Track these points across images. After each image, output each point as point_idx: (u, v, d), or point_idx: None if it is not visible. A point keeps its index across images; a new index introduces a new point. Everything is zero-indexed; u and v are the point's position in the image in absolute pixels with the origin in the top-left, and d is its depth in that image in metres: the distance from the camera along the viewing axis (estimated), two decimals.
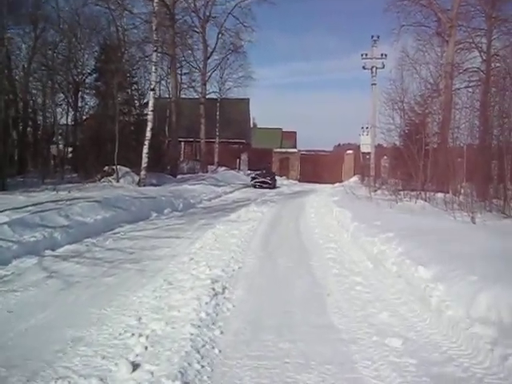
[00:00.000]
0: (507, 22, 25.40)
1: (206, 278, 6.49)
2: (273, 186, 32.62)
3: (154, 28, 22.32)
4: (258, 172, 34.28)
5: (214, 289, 5.95)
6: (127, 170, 23.35)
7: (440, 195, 17.54)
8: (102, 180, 22.51)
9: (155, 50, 22.50)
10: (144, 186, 21.94)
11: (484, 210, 13.53)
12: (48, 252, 8.22)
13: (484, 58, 26.11)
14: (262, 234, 11.34)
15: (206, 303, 5.38)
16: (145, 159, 22.31)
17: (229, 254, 8.39)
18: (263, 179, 32.70)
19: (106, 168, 23.06)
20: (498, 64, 25.21)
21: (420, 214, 12.46)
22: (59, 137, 33.36)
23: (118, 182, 22.28)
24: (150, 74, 35.93)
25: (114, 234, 10.69)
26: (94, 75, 29.42)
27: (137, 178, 22.72)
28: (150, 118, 22.54)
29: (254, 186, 32.04)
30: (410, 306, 5.56)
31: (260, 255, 8.68)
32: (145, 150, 22.28)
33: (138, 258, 8.06)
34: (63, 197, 14.23)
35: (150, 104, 22.66)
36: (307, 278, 7.06)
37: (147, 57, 27.47)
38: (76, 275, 6.80)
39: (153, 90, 22.88)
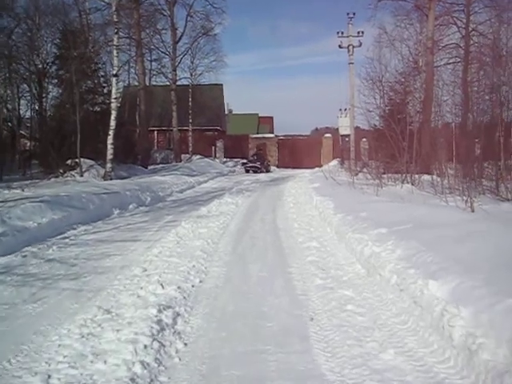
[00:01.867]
0: None
1: (154, 301, 5.08)
2: (265, 170, 34.36)
3: (113, 9, 20.61)
4: (251, 158, 36.02)
5: (160, 320, 4.54)
6: (92, 162, 21.74)
7: (427, 177, 16.51)
8: (65, 175, 20.88)
9: (116, 33, 20.79)
10: (111, 179, 20.37)
11: (476, 192, 12.31)
12: None
13: (463, 33, 25.23)
14: (234, 231, 9.92)
15: (146, 347, 3.97)
16: (110, 150, 20.70)
17: (190, 261, 6.95)
18: (254, 164, 34.37)
19: (69, 161, 21.41)
20: (476, 39, 24.41)
21: (410, 202, 11.15)
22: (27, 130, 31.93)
23: (81, 176, 20.67)
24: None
25: (63, 239, 9.21)
26: (57, 63, 27.71)
27: (103, 172, 21.14)
28: (113, 106, 20.90)
29: (247, 171, 33.63)
30: (422, 338, 4.16)
31: (228, 261, 7.26)
32: (109, 140, 20.65)
33: (79, 272, 6.63)
34: (9, 196, 12.68)
35: (114, 91, 21.01)
36: (285, 293, 5.65)
37: (110, 41, 25.80)
38: None
39: (115, 75, 21.19)
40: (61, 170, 21.11)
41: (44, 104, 29.95)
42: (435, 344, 3.96)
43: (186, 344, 4.22)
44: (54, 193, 12.93)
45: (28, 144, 32.63)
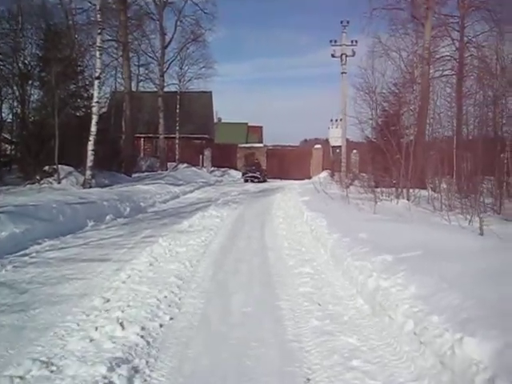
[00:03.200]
0: (480, 8, 23.95)
1: (108, 350, 4.02)
2: (262, 179, 35.24)
3: (97, 8, 19.57)
4: (249, 168, 36.98)
5: None
6: (71, 169, 20.59)
7: (423, 193, 15.74)
8: (42, 182, 19.69)
9: (99, 33, 19.73)
10: (90, 187, 19.26)
11: (477, 211, 11.40)
12: None
13: (457, 46, 24.70)
14: (217, 251, 8.82)
15: None
16: (90, 157, 19.59)
17: (162, 290, 5.85)
18: (253, 174, 35.46)
19: (47, 168, 20.23)
20: (470, 52, 23.89)
21: (411, 221, 10.19)
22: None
23: (59, 183, 19.50)
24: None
25: (22, 256, 8.10)
26: (39, 65, 26.58)
27: (82, 179, 20.01)
28: (94, 110, 19.79)
29: (246, 181, 34.58)
30: None
31: (207, 291, 6.14)
32: (90, 146, 19.54)
33: (28, 302, 5.53)
34: None
35: (95, 94, 19.90)
36: (273, 339, 4.55)
37: (95, 43, 24.74)
38: None
39: (98, 78, 20.08)
40: (37, 177, 19.92)
41: (26, 107, 28.87)
42: None
43: None
44: (23, 202, 11.82)
45: (9, 148, 31.51)
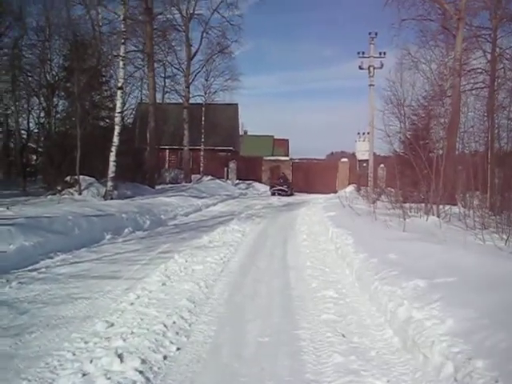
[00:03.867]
0: None
1: None
2: (290, 193, 34.58)
3: (121, 17, 19.41)
4: (276, 181, 36.32)
5: None
6: (92, 180, 20.33)
7: (454, 209, 15.05)
8: (63, 192, 19.47)
9: (123, 43, 19.54)
10: (111, 198, 18.99)
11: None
12: None
13: (489, 58, 23.93)
14: (235, 270, 8.26)
15: None
16: (112, 168, 19.32)
17: (171, 315, 5.34)
18: (281, 187, 34.70)
19: (68, 178, 20.01)
20: (502, 65, 23.15)
21: (441, 240, 9.52)
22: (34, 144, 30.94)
23: (80, 194, 19.25)
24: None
25: (31, 271, 7.71)
26: (64, 75, 26.62)
27: (103, 190, 19.74)
28: (117, 120, 19.53)
29: (273, 194, 33.97)
30: None
31: (221, 316, 5.59)
32: (112, 157, 19.29)
33: (25, 325, 5.08)
34: None
35: (118, 105, 19.66)
36: (288, 380, 3.95)
37: (120, 56, 24.66)
38: None
39: (120, 88, 19.87)
40: (59, 187, 19.71)
41: (52, 118, 28.99)
42: None
43: None
44: (38, 213, 11.46)
45: (34, 158, 31.66)
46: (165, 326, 5.01)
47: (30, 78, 28.94)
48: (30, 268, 7.92)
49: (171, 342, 4.63)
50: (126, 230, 12.72)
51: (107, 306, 5.85)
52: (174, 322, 5.16)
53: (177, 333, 4.91)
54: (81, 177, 19.62)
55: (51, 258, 8.86)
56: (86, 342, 4.54)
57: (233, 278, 7.60)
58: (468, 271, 5.82)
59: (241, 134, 58.07)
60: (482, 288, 4.96)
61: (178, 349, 4.53)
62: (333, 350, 4.53)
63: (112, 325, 5.05)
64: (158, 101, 34.07)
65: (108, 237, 11.59)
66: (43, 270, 7.90)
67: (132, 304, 5.82)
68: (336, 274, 8.03)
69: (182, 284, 6.86)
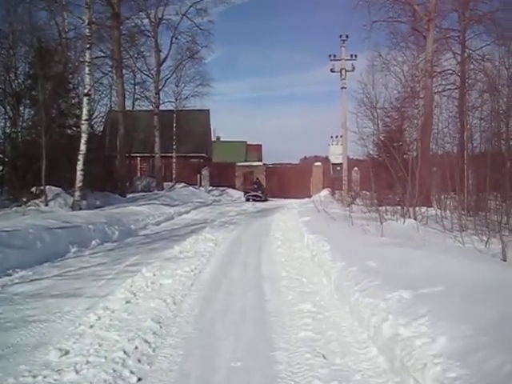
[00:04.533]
0: (481, 22, 23.24)
1: None
2: (264, 198, 34.31)
3: (86, 22, 18.78)
4: (250, 187, 36.01)
5: None
6: (59, 190, 19.58)
7: (430, 211, 14.90)
8: (29, 204, 18.70)
9: (89, 48, 18.90)
10: (80, 209, 18.30)
11: (491, 231, 10.46)
12: None
13: (458, 60, 24.00)
14: (206, 283, 7.75)
15: None
16: (79, 177, 18.63)
17: (134, 339, 4.80)
18: (255, 193, 34.48)
19: (34, 189, 19.25)
20: (472, 66, 23.18)
21: (421, 245, 9.19)
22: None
23: (46, 205, 18.50)
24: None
25: None
26: (30, 83, 25.80)
27: (71, 201, 19.03)
28: (84, 128, 18.85)
29: (248, 200, 33.48)
30: None
31: (189, 337, 5.07)
32: (79, 166, 18.60)
33: None
34: None
35: (85, 112, 18.96)
36: None
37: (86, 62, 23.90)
38: None
39: (87, 95, 19.21)
40: (24, 199, 18.93)
41: (19, 127, 28.10)
42: None
43: None
44: None
45: (0, 169, 30.67)
46: (125, 352, 4.48)
47: None
48: None
49: (131, 372, 4.11)
50: (94, 242, 12.20)
51: (64, 329, 5.30)
52: (136, 348, 4.64)
53: (139, 360, 4.38)
54: (47, 187, 18.88)
55: (9, 275, 8.27)
56: (34, 376, 3.99)
57: (203, 293, 7.09)
58: (453, 279, 5.43)
59: (213, 140, 57.54)
60: (472, 298, 4.57)
61: (139, 379, 4.00)
62: (313, 374, 4.05)
63: (66, 353, 4.52)
64: (127, 108, 33.36)
65: (74, 250, 11.04)
66: None
67: (91, 327, 5.29)
68: (313, 284, 7.60)
69: (147, 301, 6.32)
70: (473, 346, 3.47)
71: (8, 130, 27.97)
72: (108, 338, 4.91)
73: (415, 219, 14.14)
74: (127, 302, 6.29)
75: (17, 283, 7.79)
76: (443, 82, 23.46)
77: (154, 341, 4.91)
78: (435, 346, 3.70)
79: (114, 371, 4.08)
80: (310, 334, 5.09)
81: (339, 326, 5.39)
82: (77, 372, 4.02)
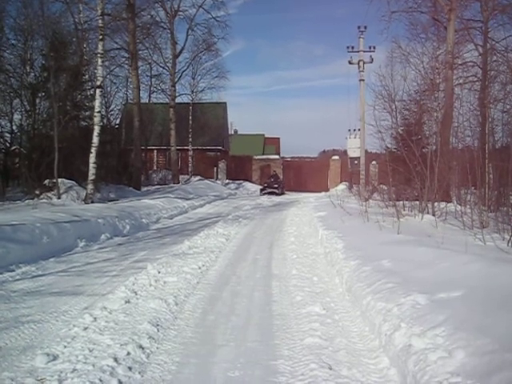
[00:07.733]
0: (504, 12, 22.49)
1: None
2: (280, 192, 33.35)
3: (99, 13, 18.50)
4: (267, 180, 35.02)
5: None
6: (71, 183, 19.43)
7: (450, 207, 14.37)
8: (41, 196, 18.57)
9: (101, 39, 18.65)
10: (92, 202, 18.13)
11: None
12: None
13: (480, 51, 23.28)
14: (213, 281, 7.41)
15: None
16: (92, 170, 18.46)
17: (127, 344, 4.47)
18: (271, 187, 33.60)
19: (47, 182, 19.11)
20: (494, 57, 22.53)
21: (440, 243, 8.72)
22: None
23: (58, 198, 18.35)
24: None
25: None
26: (45, 75, 25.69)
27: (83, 194, 18.85)
28: (96, 120, 18.64)
29: (264, 194, 32.62)
30: None
31: (188, 342, 4.75)
32: (91, 159, 18.41)
33: None
34: None
35: (97, 104, 18.74)
36: None
37: (102, 52, 23.67)
38: None
39: (99, 87, 18.98)
40: (37, 192, 18.80)
41: (34, 119, 28.05)
42: None
43: None
44: (4, 221, 10.60)
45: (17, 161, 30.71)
46: (115, 359, 4.16)
47: (11, 80, 27.99)
48: None
49: (120, 382, 3.79)
50: (103, 236, 11.97)
51: (57, 331, 5.01)
52: (129, 354, 4.31)
53: (129, 368, 4.04)
54: (60, 180, 18.73)
55: (12, 270, 8.04)
56: None
57: (208, 292, 6.76)
58: (475, 283, 5.02)
59: (231, 133, 57.27)
60: (496, 306, 4.15)
61: None
62: None
63: (55, 358, 4.21)
64: (144, 100, 33.32)
65: (81, 244, 10.80)
66: None
67: (85, 329, 4.98)
68: (324, 283, 7.23)
69: (148, 301, 5.99)
70: (496, 363, 3.07)
71: (24, 123, 28.08)
72: (100, 342, 4.59)
73: (434, 215, 13.67)
74: (127, 302, 5.98)
75: (18, 279, 7.54)
76: (464, 74, 22.78)
77: (149, 346, 4.58)
78: (452, 361, 3.31)
79: (101, 381, 3.76)
80: (317, 340, 4.72)
81: (349, 332, 5.02)
82: (60, 382, 3.71)
